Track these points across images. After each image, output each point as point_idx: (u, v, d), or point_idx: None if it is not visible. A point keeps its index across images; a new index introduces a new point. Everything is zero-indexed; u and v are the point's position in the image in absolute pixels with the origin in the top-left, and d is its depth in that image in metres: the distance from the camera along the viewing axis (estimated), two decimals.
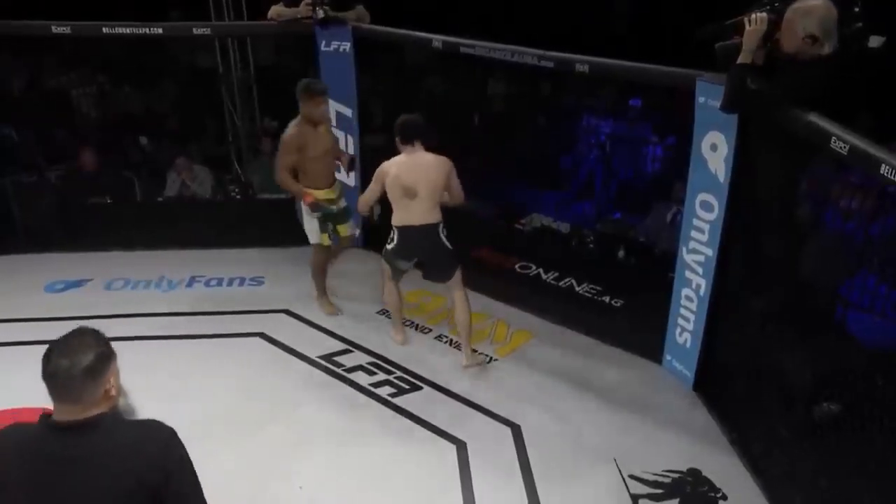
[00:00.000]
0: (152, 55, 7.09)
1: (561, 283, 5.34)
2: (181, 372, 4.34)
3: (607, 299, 5.13)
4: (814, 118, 2.78)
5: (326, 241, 4.68)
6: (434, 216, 4.16)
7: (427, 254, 4.31)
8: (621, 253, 5.70)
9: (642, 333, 4.59)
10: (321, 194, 4.58)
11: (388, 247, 4.26)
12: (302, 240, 5.59)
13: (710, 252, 3.77)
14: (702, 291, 3.90)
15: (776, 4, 3.06)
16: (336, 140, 4.85)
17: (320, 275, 4.94)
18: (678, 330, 4.17)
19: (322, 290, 4.99)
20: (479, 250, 5.72)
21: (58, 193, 6.34)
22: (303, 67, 6.75)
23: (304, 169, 4.51)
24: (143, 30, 4.93)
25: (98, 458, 1.78)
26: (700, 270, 3.86)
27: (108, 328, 4.80)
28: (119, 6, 6.85)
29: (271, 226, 5.93)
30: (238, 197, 6.66)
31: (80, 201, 6.20)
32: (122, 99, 7.89)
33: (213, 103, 7.08)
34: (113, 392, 1.87)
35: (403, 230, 4.17)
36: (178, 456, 1.90)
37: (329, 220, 4.64)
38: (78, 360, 1.79)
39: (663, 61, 3.75)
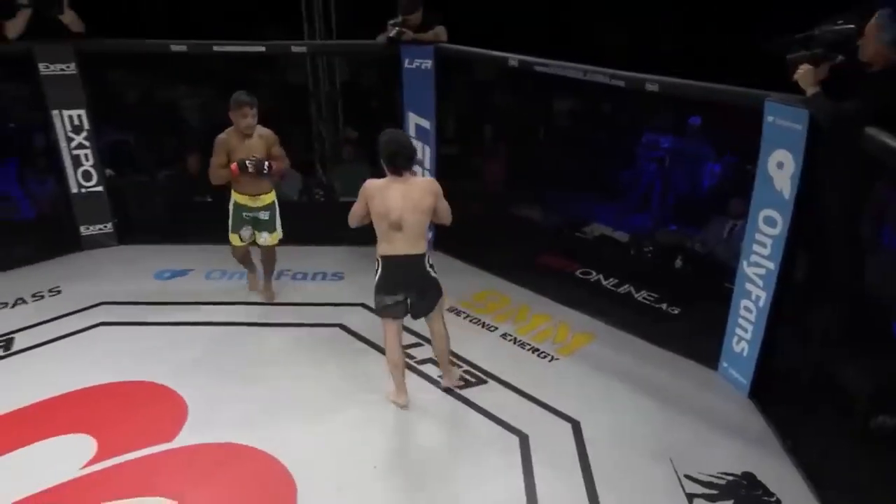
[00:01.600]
0: (250, 70, 7.32)
1: (620, 290, 5.22)
2: (269, 356, 4.44)
3: (664, 306, 4.99)
4: (887, 138, 2.64)
5: (237, 241, 4.77)
6: (421, 247, 3.62)
7: (413, 288, 3.67)
8: (678, 262, 5.55)
9: (698, 340, 4.46)
10: (241, 199, 4.59)
11: (375, 278, 3.70)
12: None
13: (771, 265, 3.62)
14: (761, 303, 3.75)
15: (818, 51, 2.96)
16: (271, 150, 4.57)
17: (243, 263, 5.03)
18: (735, 339, 4.02)
19: (250, 273, 5.13)
20: (543, 256, 5.66)
21: (166, 193, 6.60)
22: (385, 83, 6.86)
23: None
24: (247, 48, 5.07)
25: None
26: (761, 283, 3.71)
27: (207, 314, 5.01)
28: (216, 23, 7.09)
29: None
30: (322, 199, 6.78)
31: (184, 200, 6.43)
32: (222, 109, 8.16)
33: (301, 114, 7.27)
34: None
35: (388, 261, 3.61)
36: None
37: (246, 223, 4.70)
38: None
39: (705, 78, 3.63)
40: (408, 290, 3.66)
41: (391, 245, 3.58)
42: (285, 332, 4.71)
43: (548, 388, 4.15)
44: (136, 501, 3.29)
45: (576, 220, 6.34)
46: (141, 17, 8.14)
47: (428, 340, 4.59)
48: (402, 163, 3.51)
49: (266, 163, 4.45)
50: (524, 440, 3.72)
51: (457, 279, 5.43)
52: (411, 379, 4.23)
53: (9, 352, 4.42)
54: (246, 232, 4.72)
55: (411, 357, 4.43)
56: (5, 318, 4.78)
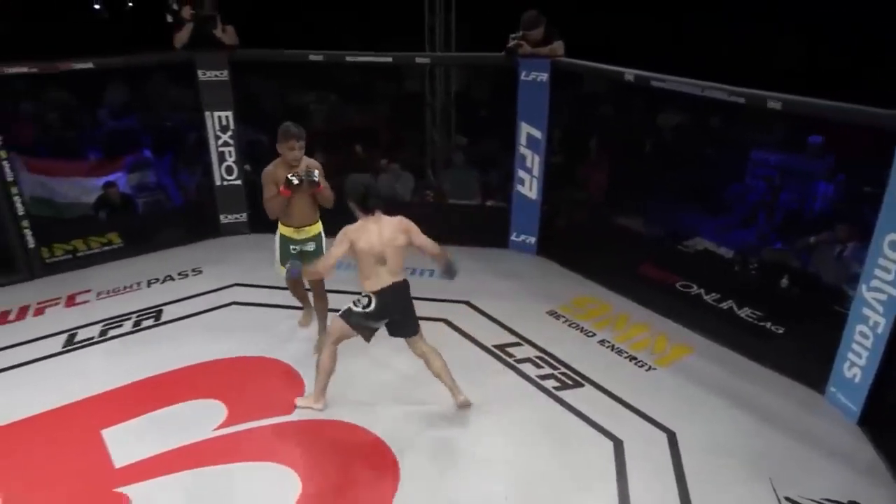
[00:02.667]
0: (372, 78, 7.56)
1: (722, 305, 4.95)
2: (376, 344, 4.47)
3: (769, 325, 4.68)
4: None
5: (283, 272, 4.28)
6: (403, 273, 3.68)
7: (399, 312, 3.73)
8: (784, 281, 5.19)
9: (804, 362, 4.16)
10: (287, 231, 4.18)
11: (358, 310, 3.61)
12: (484, 241, 5.66)
13: (894, 292, 3.31)
14: (880, 329, 3.44)
15: None
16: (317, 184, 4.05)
17: (297, 297, 4.55)
18: (847, 364, 3.71)
19: (305, 308, 4.59)
20: (644, 266, 5.47)
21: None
22: (497, 94, 6.86)
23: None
24: (376, 58, 5.23)
25: None
26: (881, 308, 3.41)
27: None
28: (343, 35, 7.34)
29: (458, 227, 6.05)
30: (432, 200, 6.88)
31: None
32: (346, 113, 8.47)
33: (417, 121, 7.41)
34: None
35: (381, 293, 3.59)
36: None
37: (293, 257, 4.21)
38: None
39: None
40: (392, 314, 3.71)
41: (379, 279, 3.60)
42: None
43: (644, 396, 4.01)
44: (258, 465, 3.47)
45: (678, 232, 6.08)
46: (278, 30, 8.60)
47: (528, 340, 4.59)
48: (373, 203, 3.56)
49: (314, 171, 3.99)
50: (619, 445, 3.62)
51: (557, 283, 5.37)
52: (509, 376, 4.22)
53: (158, 322, 4.80)
54: (295, 271, 4.22)
55: (511, 356, 4.41)
56: (157, 292, 5.19)
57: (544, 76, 5.01)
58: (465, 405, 3.86)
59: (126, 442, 3.61)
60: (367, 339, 3.77)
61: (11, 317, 4.85)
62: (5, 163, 4.88)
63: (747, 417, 3.83)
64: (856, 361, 3.64)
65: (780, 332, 4.61)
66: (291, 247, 4.21)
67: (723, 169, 6.85)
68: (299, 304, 4.57)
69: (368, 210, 3.55)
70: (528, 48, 5.00)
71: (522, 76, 5.09)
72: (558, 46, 5.00)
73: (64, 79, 6.29)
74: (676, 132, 7.20)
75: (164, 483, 3.35)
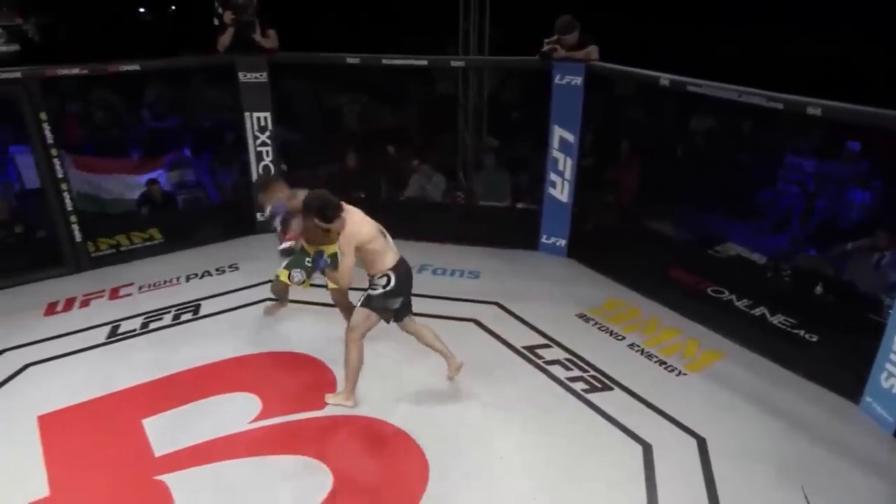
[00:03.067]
0: (405, 81, 7.59)
1: (754, 311, 4.84)
2: (409, 342, 4.51)
3: (802, 332, 4.56)
4: None
5: (284, 277, 4.38)
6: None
7: (410, 286, 3.80)
8: (819, 289, 5.06)
9: (838, 371, 4.06)
10: (308, 247, 4.32)
11: (378, 292, 3.64)
12: (514, 242, 5.62)
13: None
14: None
15: None
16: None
17: (279, 297, 4.66)
18: (884, 374, 3.60)
19: (280, 303, 4.71)
20: (675, 270, 5.38)
21: (326, 186, 6.93)
22: (528, 97, 6.82)
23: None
24: (412, 61, 5.24)
25: None
26: None
27: (354, 298, 5.10)
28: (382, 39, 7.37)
29: (489, 228, 6.05)
30: (463, 202, 6.87)
31: (341, 195, 6.72)
32: (378, 115, 8.52)
33: (449, 122, 7.41)
34: None
35: (397, 268, 3.65)
36: None
37: (303, 269, 4.35)
38: None
39: None
40: (407, 288, 3.78)
41: (394, 253, 3.68)
42: (425, 322, 4.78)
43: (674, 401, 3.94)
44: (292, 459, 3.50)
45: (709, 237, 5.97)
46: (314, 33, 8.68)
47: (557, 343, 4.55)
48: (337, 206, 3.49)
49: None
50: (647, 450, 3.56)
51: (587, 286, 5.32)
52: (538, 377, 4.19)
53: (196, 315, 4.88)
54: (297, 276, 4.34)
55: (540, 357, 4.38)
56: (196, 287, 5.28)
57: (578, 80, 4.96)
58: (458, 369, 3.97)
59: (165, 431, 3.67)
60: (389, 320, 3.82)
61: (59, 308, 4.98)
62: (56, 160, 5.02)
63: (779, 425, 3.74)
64: (894, 372, 3.53)
65: (814, 340, 4.49)
66: (307, 260, 4.30)
67: (755, 174, 6.72)
68: (331, 303, 4.64)
69: (338, 213, 3.48)
70: (562, 52, 4.96)
71: (556, 80, 5.05)
72: (593, 51, 4.95)
73: (109, 80, 6.45)
74: (708, 136, 7.09)
75: (200, 473, 3.40)
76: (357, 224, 3.57)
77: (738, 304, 4.95)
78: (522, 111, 7.73)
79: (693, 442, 3.62)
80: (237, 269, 5.57)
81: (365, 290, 3.75)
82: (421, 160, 7.12)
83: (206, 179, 7.60)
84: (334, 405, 3.88)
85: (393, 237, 5.50)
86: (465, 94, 7.13)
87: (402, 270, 3.70)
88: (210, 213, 6.78)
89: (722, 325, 4.66)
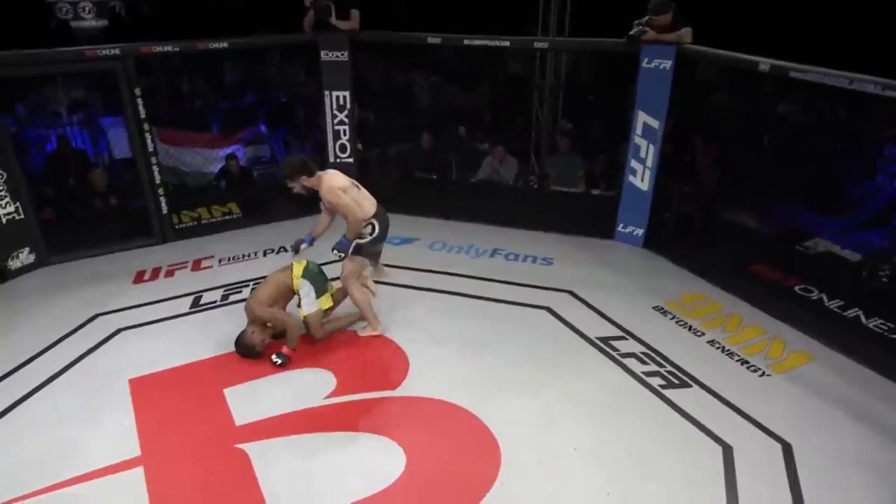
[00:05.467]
0: (478, 60, 7.45)
1: (847, 313, 4.59)
2: (482, 327, 4.53)
3: None
4: None
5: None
6: None
7: (387, 229, 4.31)
8: None
9: None
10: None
11: (365, 241, 4.16)
12: (587, 230, 5.49)
13: None
14: None
15: None
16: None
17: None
18: None
19: None
20: (758, 265, 5.16)
21: (397, 166, 6.98)
22: (606, 80, 6.60)
23: None
24: (494, 42, 5.15)
25: None
26: None
27: (429, 281, 5.22)
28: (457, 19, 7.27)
29: (561, 214, 5.95)
30: (535, 186, 6.77)
31: (413, 174, 6.77)
32: (450, 95, 8.43)
33: (522, 104, 7.27)
34: None
35: (377, 214, 4.17)
36: None
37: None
38: None
39: None
40: (386, 232, 4.28)
41: (370, 202, 4.18)
42: (497, 308, 4.78)
43: (756, 403, 3.79)
44: (366, 436, 3.57)
45: (796, 231, 5.66)
46: (390, 12, 8.64)
47: (633, 335, 4.45)
48: (312, 165, 4.13)
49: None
50: (728, 451, 3.45)
51: (664, 278, 5.18)
52: (613, 370, 4.11)
53: None
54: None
55: (615, 349, 4.29)
56: (272, 261, 5.41)
57: (668, 64, 4.76)
58: (368, 333, 4.35)
59: (244, 402, 3.81)
60: (375, 264, 4.38)
61: (147, 277, 5.23)
62: (148, 134, 5.22)
63: (873, 433, 3.55)
64: None
65: None
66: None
67: (850, 165, 6.31)
68: (402, 283, 4.73)
69: (313, 170, 4.10)
70: (652, 34, 4.76)
71: (644, 63, 4.86)
72: (686, 33, 4.73)
73: (194, 56, 6.63)
74: (800, 124, 6.69)
75: (277, 444, 3.51)
76: (332, 175, 4.16)
77: (828, 304, 4.71)
78: (601, 95, 7.49)
79: (778, 447, 3.47)
80: (311, 245, 5.66)
81: None
82: (493, 143, 7.04)
83: (281, 155, 7.76)
84: (368, 336, 4.36)
85: (464, 220, 5.66)
86: (542, 75, 6.97)
87: (382, 216, 4.20)
88: (285, 190, 6.90)
89: (810, 325, 4.45)
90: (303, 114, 7.67)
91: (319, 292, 4.27)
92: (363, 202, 4.15)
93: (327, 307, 4.37)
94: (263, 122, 8.11)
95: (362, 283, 4.60)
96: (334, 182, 4.12)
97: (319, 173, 4.13)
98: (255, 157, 7.71)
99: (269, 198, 6.41)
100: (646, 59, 4.87)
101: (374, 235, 4.17)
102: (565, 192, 6.41)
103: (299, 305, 4.22)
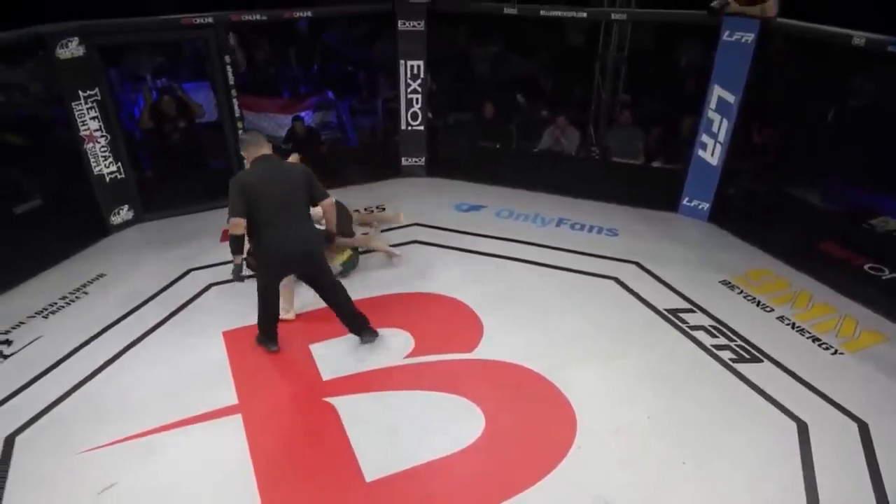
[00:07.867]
0: (540, 30, 7.09)
1: None
2: (551, 294, 4.41)
3: None
4: None
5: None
6: None
7: None
8: None
9: None
10: None
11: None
12: (651, 203, 5.23)
13: None
14: None
15: None
16: None
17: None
18: None
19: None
20: (827, 243, 4.86)
21: (463, 135, 6.78)
22: (673, 53, 6.19)
23: None
24: (571, 13, 4.86)
25: None
26: None
27: (497, 247, 5.05)
28: None
29: (624, 186, 5.71)
30: (597, 157, 6.51)
31: (476, 144, 6.57)
32: (510, 64, 8.10)
33: (584, 76, 6.94)
34: None
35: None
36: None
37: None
38: None
39: None
40: None
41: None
42: (565, 277, 4.64)
43: (830, 381, 3.60)
44: (445, 396, 3.52)
45: (867, 209, 5.29)
46: None
47: (702, 308, 4.28)
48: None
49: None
50: (803, 428, 3.28)
51: (731, 253, 4.94)
52: (683, 342, 3.94)
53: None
54: None
55: (684, 322, 4.12)
56: None
57: (750, 37, 4.42)
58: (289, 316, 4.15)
59: (330, 358, 3.80)
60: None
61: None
62: (235, 100, 5.15)
63: None
64: None
65: None
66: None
67: None
68: (475, 249, 4.57)
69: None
70: (735, 6, 4.41)
71: (724, 36, 4.52)
72: (771, 6, 4.36)
73: (274, 24, 6.48)
74: (873, 99, 6.19)
75: (362, 400, 3.49)
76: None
77: None
78: (664, 68, 7.08)
79: (854, 426, 3.29)
80: (383, 209, 5.59)
81: None
82: (554, 113, 6.76)
83: (348, 123, 7.64)
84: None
85: (530, 187, 5.39)
86: (606, 46, 6.62)
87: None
88: (354, 155, 6.81)
89: (882, 305, 4.19)
90: (370, 82, 7.50)
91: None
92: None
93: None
94: (331, 90, 7.98)
95: (375, 247, 4.78)
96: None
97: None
98: (323, 122, 7.62)
99: (339, 162, 6.32)
100: (727, 32, 4.52)
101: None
102: (627, 163, 6.14)
103: None
